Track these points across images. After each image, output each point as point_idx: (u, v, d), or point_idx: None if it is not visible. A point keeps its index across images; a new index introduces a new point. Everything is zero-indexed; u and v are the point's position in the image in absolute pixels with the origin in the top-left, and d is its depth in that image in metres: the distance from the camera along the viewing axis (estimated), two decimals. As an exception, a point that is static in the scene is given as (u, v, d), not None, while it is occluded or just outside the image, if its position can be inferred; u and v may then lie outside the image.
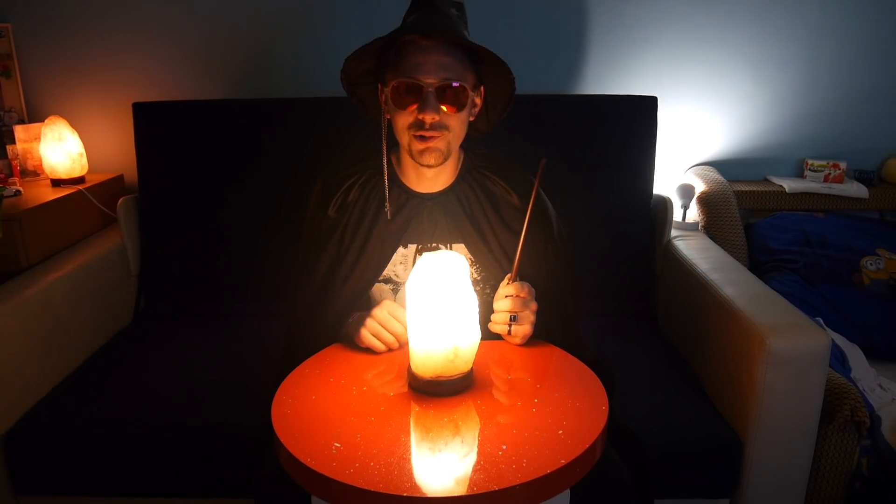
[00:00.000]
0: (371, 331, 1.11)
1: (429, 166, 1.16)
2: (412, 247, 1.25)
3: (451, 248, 1.24)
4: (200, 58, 2.10)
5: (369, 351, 1.12)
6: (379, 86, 1.19)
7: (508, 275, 1.15)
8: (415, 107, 1.11)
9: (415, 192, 1.25)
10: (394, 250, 1.24)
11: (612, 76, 2.11)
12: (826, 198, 2.08)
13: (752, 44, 2.09)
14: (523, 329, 1.12)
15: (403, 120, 1.13)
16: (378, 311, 1.12)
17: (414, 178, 1.24)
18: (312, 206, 1.28)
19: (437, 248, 1.24)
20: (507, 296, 1.13)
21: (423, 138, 1.12)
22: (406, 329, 1.05)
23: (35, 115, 2.14)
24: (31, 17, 2.07)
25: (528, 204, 1.17)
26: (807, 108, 2.15)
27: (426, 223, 1.24)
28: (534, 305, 1.13)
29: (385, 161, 1.21)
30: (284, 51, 2.09)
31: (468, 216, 1.24)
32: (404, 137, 1.15)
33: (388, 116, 1.17)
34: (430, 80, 1.09)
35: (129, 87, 2.10)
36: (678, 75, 2.10)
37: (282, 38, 2.08)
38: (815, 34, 2.08)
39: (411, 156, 1.16)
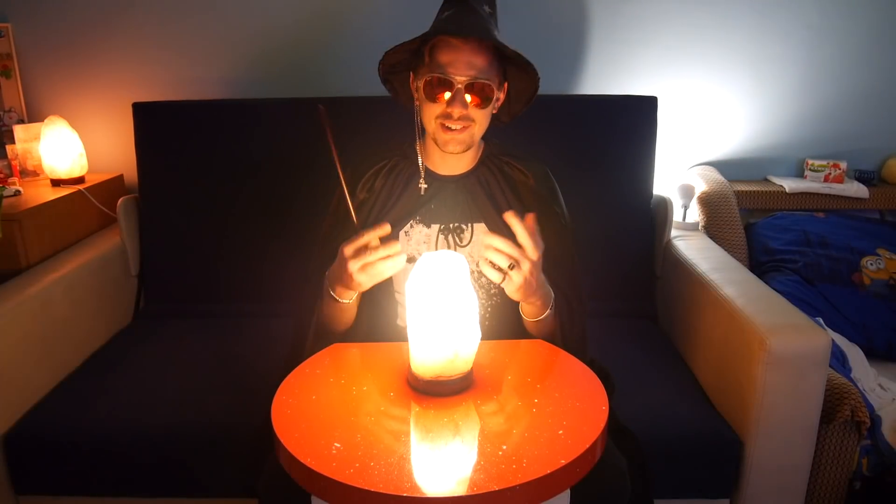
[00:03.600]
0: (359, 269, 1.06)
1: (452, 153, 1.22)
2: (435, 227, 1.29)
3: (471, 228, 1.29)
4: (200, 58, 2.10)
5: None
6: (411, 74, 1.26)
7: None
8: (444, 99, 1.17)
9: (437, 174, 1.30)
10: (407, 219, 1.28)
11: (612, 76, 2.11)
12: (826, 198, 2.08)
13: (752, 44, 2.09)
14: (517, 280, 1.06)
15: (432, 110, 1.20)
16: (347, 248, 1.06)
17: (438, 161, 1.30)
18: (339, 192, 1.30)
19: (458, 228, 1.29)
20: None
21: (449, 129, 1.19)
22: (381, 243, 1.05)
23: (35, 115, 2.14)
24: (31, 17, 2.07)
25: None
26: (807, 108, 2.15)
27: (448, 203, 1.29)
28: (535, 255, 1.05)
29: (418, 140, 1.29)
30: (285, 51, 2.08)
31: (488, 196, 1.29)
32: (431, 126, 1.22)
33: (419, 104, 1.24)
34: (460, 78, 1.16)
35: (129, 87, 2.11)
36: (678, 75, 2.10)
37: (283, 39, 2.08)
38: (815, 34, 2.08)
39: (436, 143, 1.23)
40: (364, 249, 1.06)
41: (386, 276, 1.09)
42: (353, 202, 1.22)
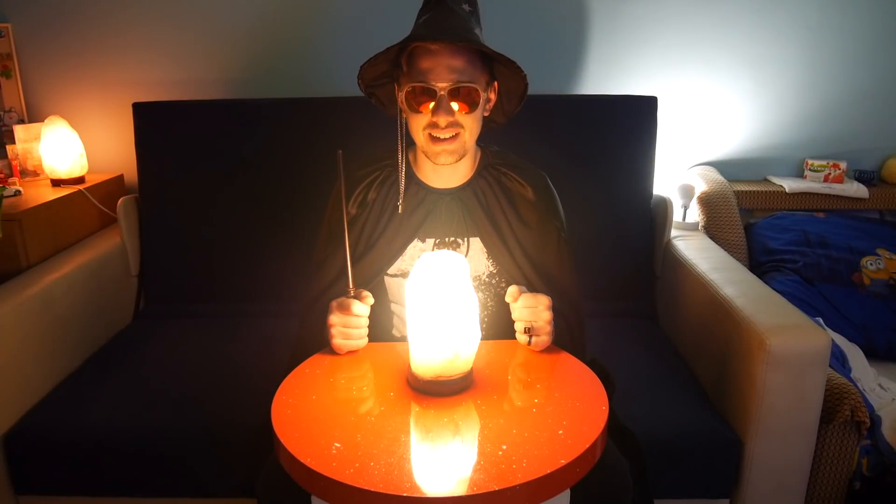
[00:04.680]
0: (340, 338, 1.10)
1: (444, 164, 1.18)
2: (430, 241, 1.26)
3: (467, 243, 1.26)
4: (201, 58, 2.10)
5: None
6: (395, 85, 1.21)
7: (515, 286, 1.11)
8: (429, 109, 1.13)
9: (432, 187, 1.26)
10: (406, 244, 1.25)
11: (612, 76, 2.11)
12: (826, 198, 2.08)
13: (752, 44, 2.09)
14: (541, 340, 1.10)
15: (418, 121, 1.15)
16: (335, 318, 1.09)
17: (431, 173, 1.26)
18: (332, 204, 1.30)
19: (454, 243, 1.26)
20: (522, 307, 1.09)
21: (438, 139, 1.15)
22: (363, 320, 1.09)
23: (35, 115, 2.14)
24: (31, 17, 2.08)
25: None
26: (807, 108, 2.15)
27: (444, 218, 1.26)
28: (547, 315, 1.09)
29: (401, 157, 1.24)
30: (285, 51, 2.09)
31: (485, 210, 1.25)
32: (420, 137, 1.17)
33: (405, 116, 1.20)
34: (441, 84, 1.11)
35: (129, 87, 2.11)
36: (678, 75, 2.11)
37: (283, 39, 2.08)
38: (815, 34, 2.08)
39: (427, 155, 1.19)
40: (349, 314, 1.07)
41: (358, 346, 1.11)
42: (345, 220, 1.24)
